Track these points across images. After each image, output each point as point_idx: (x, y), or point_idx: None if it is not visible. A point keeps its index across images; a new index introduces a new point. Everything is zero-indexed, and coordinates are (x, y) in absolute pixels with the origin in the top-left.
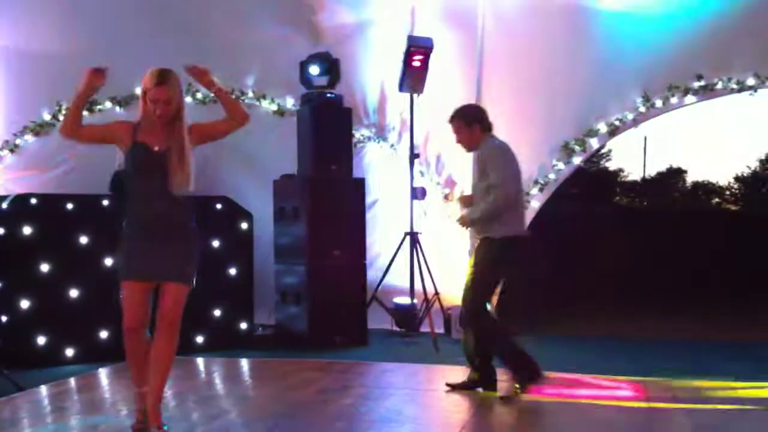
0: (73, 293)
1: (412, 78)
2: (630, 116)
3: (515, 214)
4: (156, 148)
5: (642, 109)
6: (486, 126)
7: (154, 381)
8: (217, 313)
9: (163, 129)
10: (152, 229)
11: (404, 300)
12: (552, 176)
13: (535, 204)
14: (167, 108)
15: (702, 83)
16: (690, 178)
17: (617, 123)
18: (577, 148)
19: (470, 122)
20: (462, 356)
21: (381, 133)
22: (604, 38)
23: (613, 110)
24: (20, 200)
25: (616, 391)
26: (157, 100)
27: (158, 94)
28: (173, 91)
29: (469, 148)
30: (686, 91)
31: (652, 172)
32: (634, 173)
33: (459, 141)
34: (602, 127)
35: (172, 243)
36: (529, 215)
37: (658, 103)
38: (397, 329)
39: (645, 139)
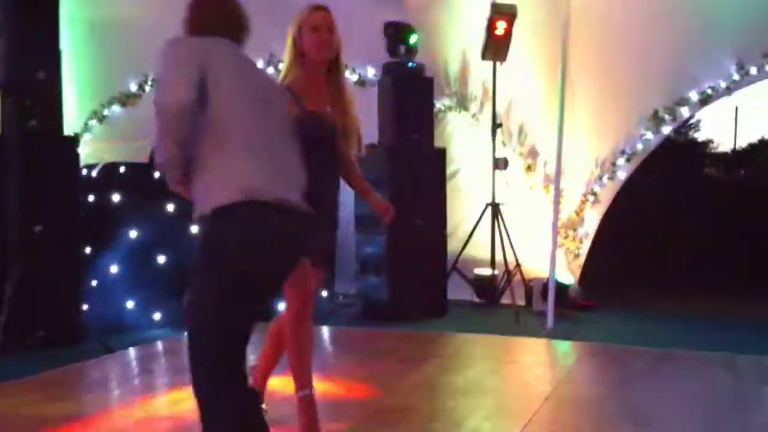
0: (161, 259)
1: (495, 46)
2: (723, 84)
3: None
4: (325, 114)
5: (736, 77)
6: None
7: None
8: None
9: (322, 81)
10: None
11: (485, 271)
12: (640, 146)
13: (621, 175)
14: (331, 37)
15: None
16: None
17: (710, 92)
18: (666, 117)
19: None
20: (542, 328)
21: (463, 103)
22: (695, 4)
23: (705, 78)
24: (109, 168)
25: (703, 366)
26: (319, 27)
27: (318, 20)
28: (334, 22)
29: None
30: None
31: (743, 143)
32: (724, 144)
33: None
34: (694, 96)
35: None
36: (615, 186)
37: (753, 70)
38: (477, 300)
39: (736, 109)
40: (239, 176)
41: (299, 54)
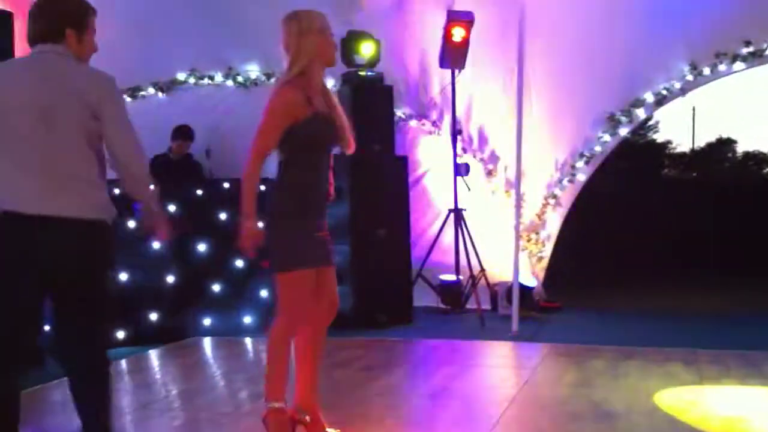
0: (123, 276)
1: (453, 53)
2: (677, 85)
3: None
4: (329, 114)
5: (689, 77)
6: None
7: (313, 368)
8: (264, 294)
9: (321, 83)
10: (322, 208)
11: (449, 277)
12: (598, 148)
13: (581, 177)
14: None
15: (751, 49)
16: (740, 149)
17: (664, 92)
18: (623, 119)
19: None
20: (508, 331)
21: (423, 110)
22: (648, 6)
23: (659, 79)
24: None
25: (666, 362)
26: (330, 29)
27: (328, 23)
28: None
29: None
30: (734, 58)
31: (701, 143)
32: (682, 145)
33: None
34: (649, 97)
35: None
36: (575, 189)
37: (706, 70)
38: (443, 306)
39: (693, 109)
40: None
41: (315, 56)
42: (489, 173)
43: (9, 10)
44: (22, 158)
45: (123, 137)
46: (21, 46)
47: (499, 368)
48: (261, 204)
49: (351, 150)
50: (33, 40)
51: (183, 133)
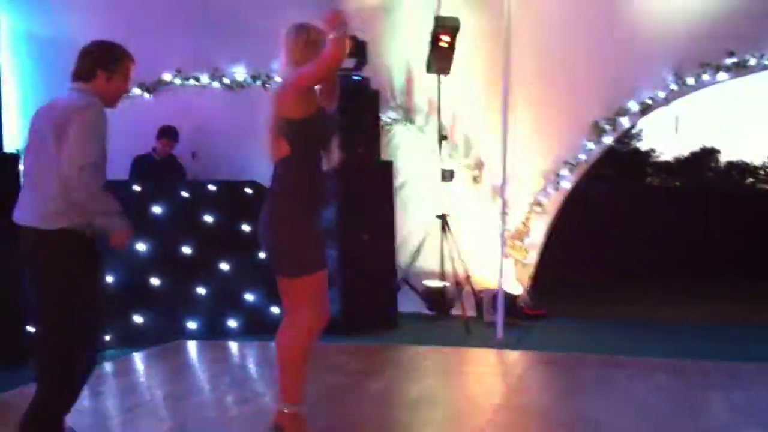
0: (108, 278)
1: (439, 59)
2: (661, 94)
3: None
4: (329, 115)
5: (673, 86)
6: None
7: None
8: (249, 297)
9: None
10: (322, 207)
11: (435, 283)
12: (582, 156)
13: (566, 185)
14: None
15: (734, 60)
16: (723, 158)
17: (648, 101)
18: (607, 127)
19: None
20: (493, 338)
21: (408, 115)
22: (633, 15)
23: (643, 88)
24: None
25: (651, 372)
26: None
27: None
28: None
29: None
30: (718, 68)
31: (684, 152)
32: (666, 153)
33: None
34: (633, 106)
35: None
36: (560, 196)
37: (690, 80)
38: (428, 312)
39: (677, 118)
40: None
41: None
42: (474, 179)
43: None
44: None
45: (70, 158)
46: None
47: (485, 375)
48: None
49: (331, 158)
50: (71, 76)
51: (168, 133)
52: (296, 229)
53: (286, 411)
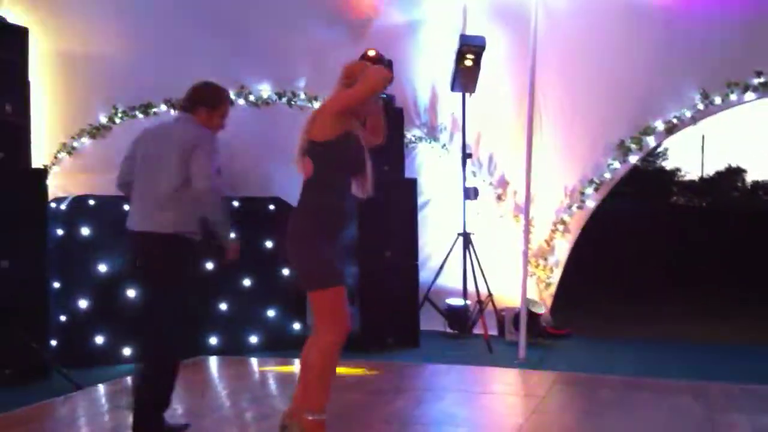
0: (130, 293)
1: (464, 77)
2: (688, 114)
3: None
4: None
5: (700, 106)
6: None
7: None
8: (270, 313)
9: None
10: (344, 228)
11: (457, 301)
12: (607, 175)
13: (590, 204)
14: None
15: (762, 80)
16: (749, 178)
17: (675, 121)
18: (633, 146)
19: None
20: (515, 358)
21: (432, 133)
22: (660, 35)
23: (670, 108)
24: (78, 201)
25: (675, 394)
26: None
27: None
28: None
29: None
30: (746, 88)
31: (710, 171)
32: (691, 173)
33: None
34: (659, 125)
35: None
36: (584, 215)
37: (717, 100)
38: (450, 331)
39: (703, 137)
40: None
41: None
42: (498, 198)
43: (26, 25)
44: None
45: (203, 177)
46: (35, 61)
47: (507, 395)
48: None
49: (366, 187)
50: (179, 107)
51: None
52: (312, 246)
53: (310, 418)
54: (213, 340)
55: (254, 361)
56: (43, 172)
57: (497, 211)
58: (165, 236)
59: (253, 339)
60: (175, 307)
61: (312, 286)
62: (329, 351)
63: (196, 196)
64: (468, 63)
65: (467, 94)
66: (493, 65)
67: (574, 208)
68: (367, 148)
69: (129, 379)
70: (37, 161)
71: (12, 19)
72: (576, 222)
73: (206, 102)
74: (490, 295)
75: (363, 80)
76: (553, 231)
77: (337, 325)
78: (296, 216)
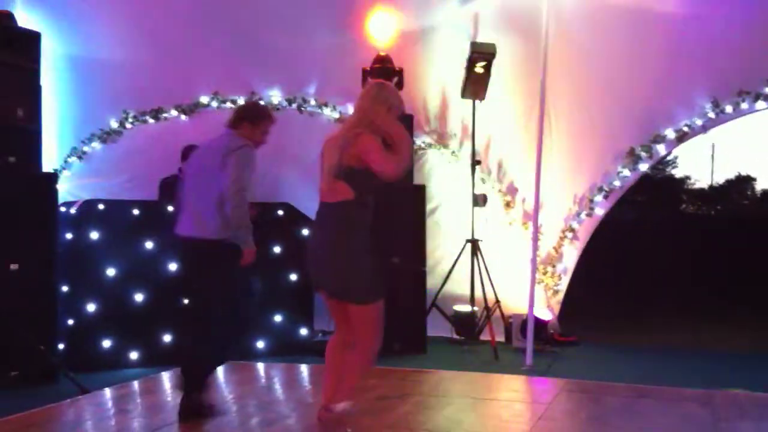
0: (138, 297)
1: (475, 84)
2: (699, 122)
3: None
4: None
5: (711, 115)
6: None
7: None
8: (277, 318)
9: None
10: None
11: (464, 308)
12: (617, 183)
13: (599, 211)
14: None
15: None
16: (759, 186)
17: (685, 129)
18: (643, 154)
19: None
20: (522, 364)
21: (442, 140)
22: (670, 43)
23: (680, 116)
24: (88, 206)
25: (681, 402)
26: None
27: None
28: None
29: None
30: (757, 97)
31: (720, 179)
32: (701, 181)
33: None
34: (670, 133)
35: None
36: (593, 222)
37: (728, 108)
38: (457, 337)
39: (713, 146)
40: None
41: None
42: (507, 205)
43: (38, 30)
44: None
45: (231, 183)
46: (47, 66)
47: (513, 402)
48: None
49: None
50: (225, 124)
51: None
52: (366, 262)
53: (342, 405)
54: None
55: (260, 366)
56: (53, 177)
57: (506, 217)
58: (210, 242)
59: (260, 344)
60: (220, 309)
61: (366, 300)
62: (372, 356)
63: (221, 201)
64: (478, 70)
65: (477, 101)
66: (503, 72)
67: (583, 216)
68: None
69: (135, 383)
70: (47, 165)
71: (24, 23)
72: (585, 229)
73: (249, 117)
74: (497, 301)
75: (399, 154)
76: (562, 238)
77: (378, 333)
78: (341, 233)
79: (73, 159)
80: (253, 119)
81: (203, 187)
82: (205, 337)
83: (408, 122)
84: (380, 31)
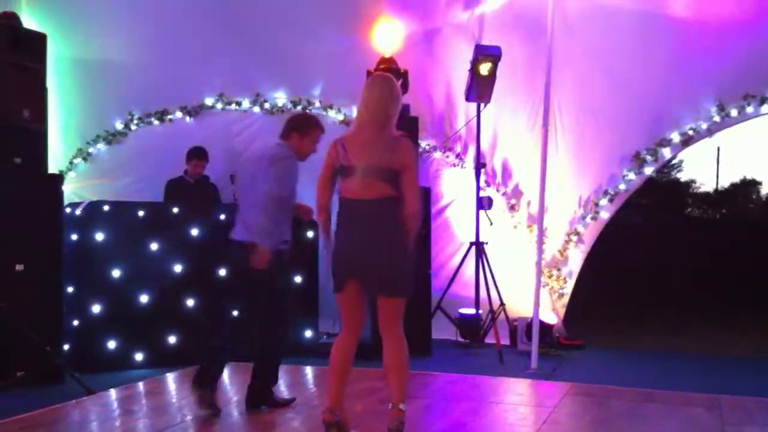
0: (143, 298)
1: (480, 87)
2: (704, 126)
3: None
4: None
5: (716, 118)
6: None
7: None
8: None
9: None
10: None
11: (469, 310)
12: (622, 186)
13: (604, 214)
14: None
15: None
16: (765, 190)
17: (691, 132)
18: (648, 158)
19: None
20: (526, 368)
21: (447, 143)
22: (676, 46)
23: (686, 120)
24: (93, 207)
25: (686, 406)
26: None
27: None
28: None
29: None
30: (762, 101)
31: (725, 183)
32: (706, 184)
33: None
34: (675, 137)
35: None
36: (598, 226)
37: (734, 112)
38: (462, 340)
39: (718, 149)
40: None
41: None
42: (512, 207)
43: (44, 31)
44: None
45: (269, 189)
46: (53, 67)
47: (518, 406)
48: None
49: None
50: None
51: (197, 154)
52: (409, 257)
53: (402, 407)
54: None
55: None
56: (59, 178)
57: (511, 220)
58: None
59: None
60: (267, 309)
61: (408, 293)
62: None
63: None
64: (483, 72)
65: (482, 104)
66: (508, 75)
67: (588, 219)
68: None
69: (140, 384)
70: (53, 166)
71: (30, 25)
72: (590, 233)
73: (297, 128)
74: (502, 304)
75: (415, 186)
76: (567, 241)
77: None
78: (389, 228)
79: (79, 160)
80: (302, 129)
81: (250, 195)
82: (276, 329)
83: (413, 124)
84: (386, 40)
